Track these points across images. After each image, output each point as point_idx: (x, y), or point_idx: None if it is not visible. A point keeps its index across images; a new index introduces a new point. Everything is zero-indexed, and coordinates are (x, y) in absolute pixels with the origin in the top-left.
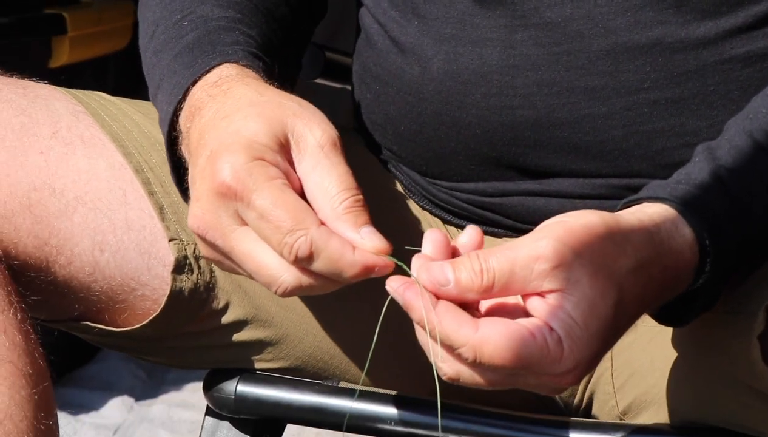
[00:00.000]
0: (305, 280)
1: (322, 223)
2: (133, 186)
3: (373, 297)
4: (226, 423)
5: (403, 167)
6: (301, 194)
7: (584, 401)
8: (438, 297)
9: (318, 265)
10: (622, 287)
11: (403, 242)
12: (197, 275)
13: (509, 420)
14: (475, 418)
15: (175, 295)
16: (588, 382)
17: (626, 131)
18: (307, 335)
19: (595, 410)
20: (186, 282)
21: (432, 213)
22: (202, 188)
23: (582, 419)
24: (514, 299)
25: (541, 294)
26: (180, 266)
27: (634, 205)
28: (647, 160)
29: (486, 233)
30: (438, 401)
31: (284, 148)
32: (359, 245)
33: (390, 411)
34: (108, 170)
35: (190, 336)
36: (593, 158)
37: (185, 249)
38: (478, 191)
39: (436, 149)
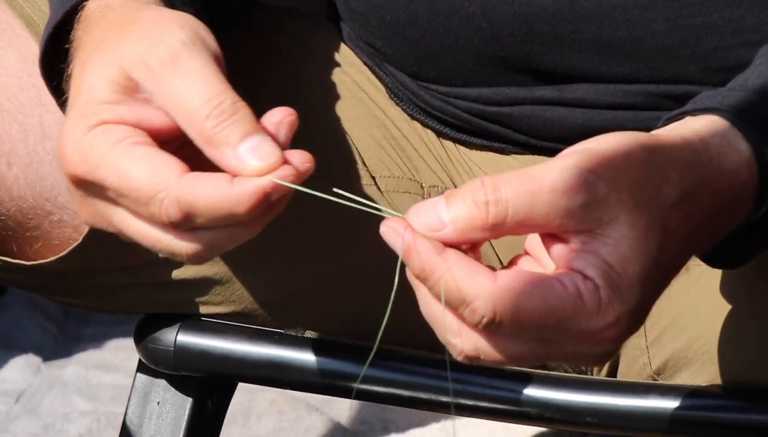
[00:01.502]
0: (205, 239)
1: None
2: None
3: (338, 224)
4: (162, 382)
5: (389, 67)
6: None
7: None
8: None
9: (201, 221)
10: (666, 224)
11: (388, 160)
12: None
13: (521, 381)
14: (482, 380)
15: None
16: None
17: (670, 26)
18: (263, 272)
19: (621, 369)
20: None
21: (423, 124)
22: (67, 180)
23: (607, 379)
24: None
25: (565, 239)
26: None
27: (676, 121)
28: (695, 62)
29: (491, 149)
30: (447, 360)
31: (129, 89)
32: (239, 171)
33: (371, 369)
34: (19, 62)
35: (119, 272)
36: (627, 58)
37: None
38: (483, 99)
39: (431, 45)
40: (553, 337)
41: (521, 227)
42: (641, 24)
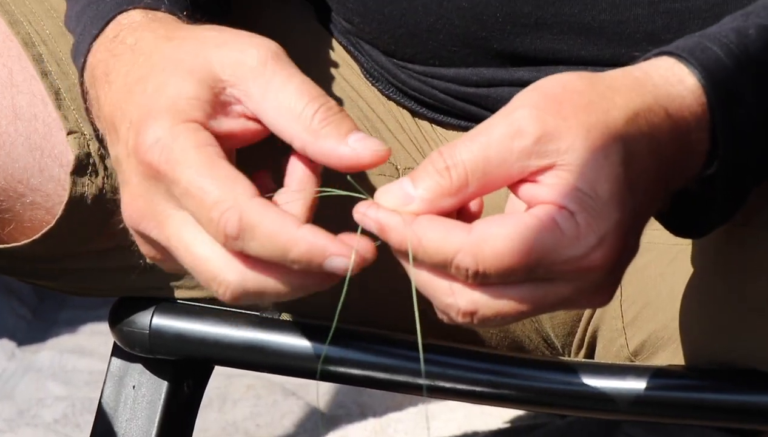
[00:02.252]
0: (251, 277)
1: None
2: (21, 64)
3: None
4: (138, 366)
5: (364, 46)
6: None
7: (585, 340)
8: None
9: (254, 245)
10: (624, 140)
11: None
12: (103, 177)
13: (496, 362)
14: (457, 361)
15: (74, 203)
16: (590, 317)
17: (653, 10)
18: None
19: (599, 352)
20: (89, 187)
21: (398, 103)
22: (129, 168)
23: (584, 360)
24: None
25: (532, 180)
26: (81, 166)
27: None
28: None
29: (468, 129)
30: (419, 340)
31: (218, 95)
32: (352, 157)
33: (350, 352)
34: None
35: (94, 255)
36: (609, 42)
37: (88, 145)
38: (460, 79)
39: (409, 24)
40: (543, 275)
41: (487, 183)
42: (624, 8)
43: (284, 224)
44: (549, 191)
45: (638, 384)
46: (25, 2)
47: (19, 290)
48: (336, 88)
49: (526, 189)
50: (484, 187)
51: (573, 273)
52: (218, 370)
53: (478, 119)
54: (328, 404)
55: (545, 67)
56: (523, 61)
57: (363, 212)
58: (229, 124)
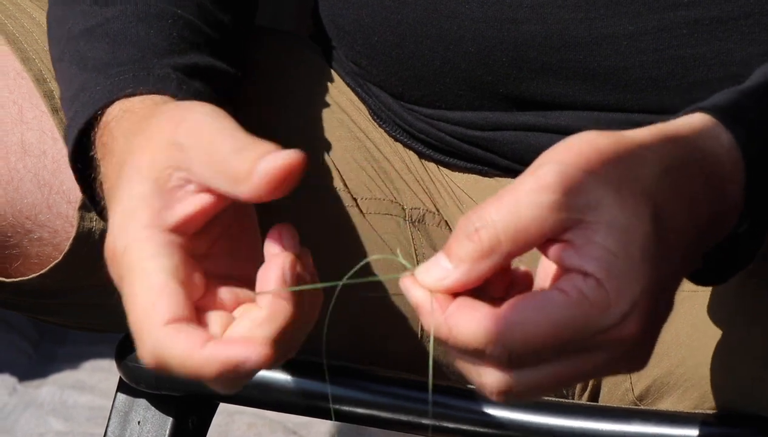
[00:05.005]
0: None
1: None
2: (32, 101)
3: (335, 250)
4: (143, 401)
5: (372, 88)
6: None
7: (590, 383)
8: (450, 294)
9: (174, 370)
10: (655, 196)
11: (369, 182)
12: None
13: (498, 406)
14: (463, 403)
15: (82, 238)
16: None
17: (658, 57)
18: None
19: (603, 395)
20: (96, 222)
21: (405, 145)
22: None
23: (589, 403)
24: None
25: (561, 239)
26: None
27: None
28: (682, 93)
29: (474, 171)
30: (430, 383)
31: (166, 183)
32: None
33: (354, 391)
34: (0, 79)
35: (100, 290)
36: (614, 88)
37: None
38: (466, 122)
39: (417, 68)
40: (578, 348)
41: (519, 242)
42: (629, 54)
43: (191, 349)
44: (576, 254)
45: (644, 428)
46: (37, 40)
47: (20, 325)
48: (342, 128)
49: (555, 250)
50: (518, 246)
51: (607, 343)
52: (220, 408)
53: (484, 162)
54: None
55: (551, 112)
56: (529, 105)
57: (404, 288)
58: (183, 208)
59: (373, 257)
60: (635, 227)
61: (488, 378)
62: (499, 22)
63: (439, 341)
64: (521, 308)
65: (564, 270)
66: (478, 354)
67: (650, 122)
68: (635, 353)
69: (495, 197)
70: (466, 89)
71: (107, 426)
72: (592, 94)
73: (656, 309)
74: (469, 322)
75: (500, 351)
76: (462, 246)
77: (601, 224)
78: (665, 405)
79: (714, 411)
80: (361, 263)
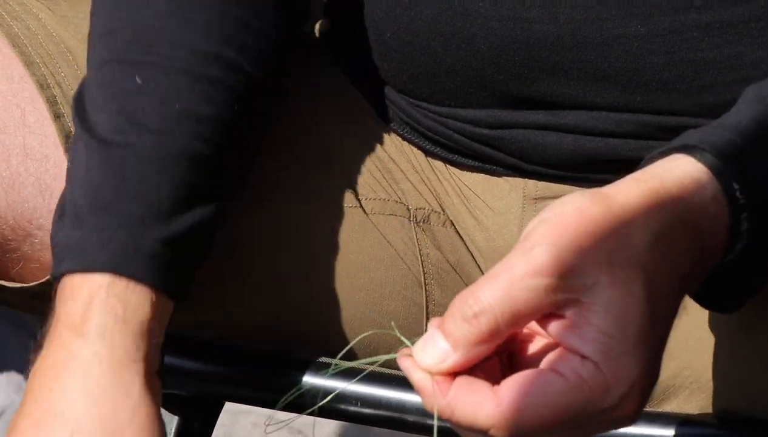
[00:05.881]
0: None
1: None
2: (34, 105)
3: (339, 250)
4: None
5: (381, 87)
6: None
7: None
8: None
9: None
10: (647, 270)
11: (374, 182)
12: None
13: None
14: None
15: None
16: None
17: (669, 59)
18: (259, 289)
19: None
20: None
21: (412, 143)
22: None
23: None
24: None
25: (559, 314)
26: None
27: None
28: (691, 96)
29: (482, 170)
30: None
31: None
32: None
33: (361, 388)
34: (4, 82)
35: None
36: (624, 89)
37: None
38: (475, 120)
39: (429, 65)
40: (578, 424)
41: (517, 324)
42: (641, 56)
43: None
44: (573, 335)
45: (649, 430)
46: (42, 44)
47: (28, 323)
48: (348, 127)
49: (552, 327)
50: (516, 327)
51: (605, 418)
52: (225, 407)
53: (492, 161)
54: None
55: (560, 112)
56: (539, 105)
57: (404, 368)
58: None
59: (367, 333)
60: (630, 307)
61: None
62: (511, 21)
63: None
64: (522, 393)
65: (562, 346)
66: (481, 432)
67: (658, 123)
68: (632, 416)
69: (488, 276)
70: (476, 87)
71: None
72: (601, 95)
73: (651, 381)
74: (471, 406)
75: (502, 434)
76: (460, 329)
77: (597, 305)
78: (671, 406)
79: (720, 415)
80: (354, 342)
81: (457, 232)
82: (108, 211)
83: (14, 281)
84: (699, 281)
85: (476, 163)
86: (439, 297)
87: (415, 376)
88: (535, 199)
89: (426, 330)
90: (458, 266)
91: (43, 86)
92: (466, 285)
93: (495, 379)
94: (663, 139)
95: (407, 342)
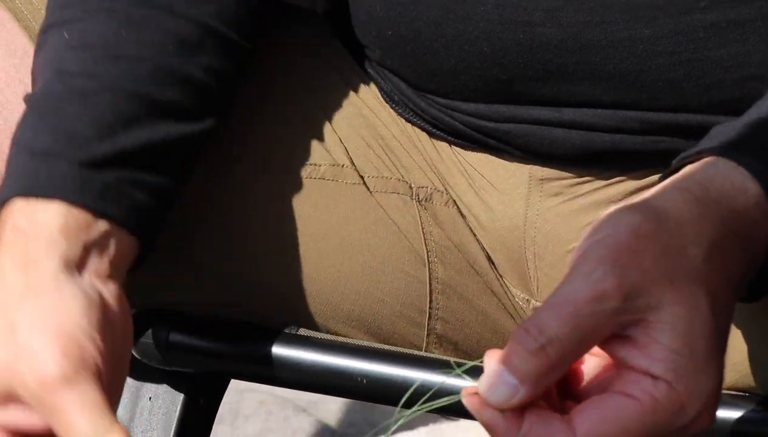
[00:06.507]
0: None
1: None
2: None
3: (343, 228)
4: (155, 377)
5: (385, 71)
6: None
7: None
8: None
9: None
10: (707, 282)
11: (376, 160)
12: None
13: None
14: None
15: None
16: None
17: (674, 60)
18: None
19: None
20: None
21: (415, 125)
22: None
23: None
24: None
25: (623, 335)
26: None
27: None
28: (698, 94)
29: (487, 151)
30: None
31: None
32: None
33: (367, 366)
34: (7, 57)
35: None
36: (629, 88)
37: None
38: (479, 114)
39: (432, 64)
40: None
41: (584, 352)
42: (645, 57)
43: None
44: (641, 354)
45: None
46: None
47: None
48: (350, 105)
49: (617, 348)
50: (582, 353)
51: (681, 433)
52: (230, 385)
53: (498, 151)
54: (340, 421)
55: (566, 109)
56: (545, 102)
57: (471, 408)
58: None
59: (436, 385)
60: (696, 322)
61: None
62: (514, 24)
63: None
64: (597, 421)
65: (627, 368)
66: None
67: (665, 121)
68: (703, 429)
69: (550, 305)
70: (480, 85)
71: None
72: (607, 95)
73: (720, 387)
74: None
75: None
76: (527, 364)
77: (663, 323)
78: None
79: (748, 393)
80: (405, 418)
81: (460, 212)
82: (26, 147)
83: None
84: (745, 285)
85: (484, 151)
86: (442, 275)
87: (486, 415)
88: (542, 179)
89: (430, 317)
90: (461, 246)
91: None
92: (469, 265)
93: (550, 401)
94: (670, 135)
95: (470, 382)
